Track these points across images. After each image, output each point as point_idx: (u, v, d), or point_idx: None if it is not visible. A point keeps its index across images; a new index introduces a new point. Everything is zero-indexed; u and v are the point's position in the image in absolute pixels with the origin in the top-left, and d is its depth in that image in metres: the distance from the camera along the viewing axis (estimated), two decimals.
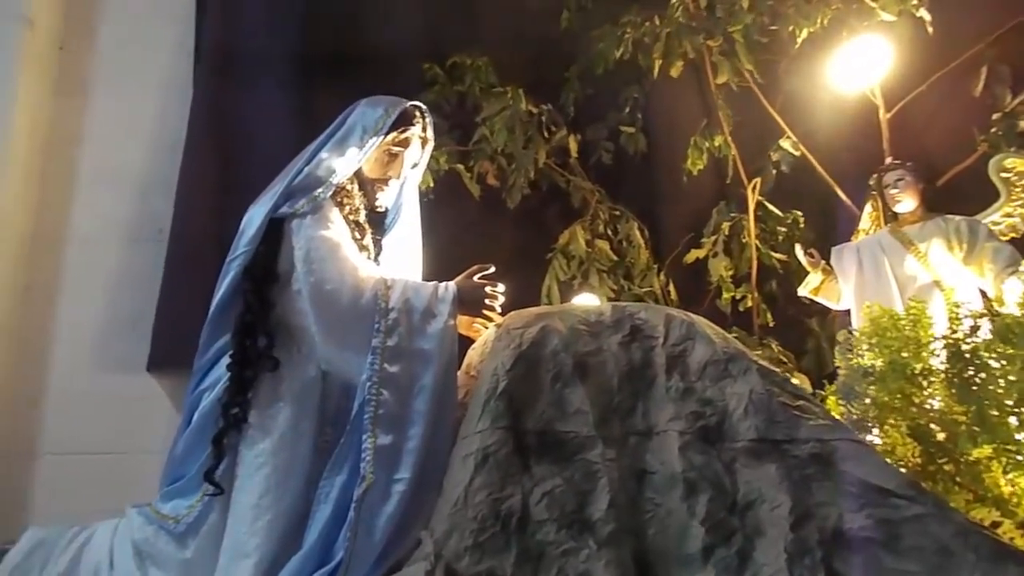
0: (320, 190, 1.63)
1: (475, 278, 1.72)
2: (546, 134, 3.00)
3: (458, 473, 1.49)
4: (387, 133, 1.69)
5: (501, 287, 1.75)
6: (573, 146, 3.20)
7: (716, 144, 2.91)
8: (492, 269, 1.76)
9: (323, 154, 1.66)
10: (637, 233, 2.98)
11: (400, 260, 1.83)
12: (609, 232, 3.04)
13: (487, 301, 1.71)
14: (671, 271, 3.04)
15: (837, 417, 1.60)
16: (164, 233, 2.91)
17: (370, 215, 1.76)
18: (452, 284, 1.68)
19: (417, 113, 1.75)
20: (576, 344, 1.69)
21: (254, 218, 1.62)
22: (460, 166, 2.70)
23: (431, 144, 1.81)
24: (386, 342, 1.52)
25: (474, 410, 1.57)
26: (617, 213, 3.12)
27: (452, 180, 2.94)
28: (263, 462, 1.50)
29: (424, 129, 1.78)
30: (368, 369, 1.50)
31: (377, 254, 1.80)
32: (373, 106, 1.71)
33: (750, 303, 2.84)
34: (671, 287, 3.01)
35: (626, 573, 1.41)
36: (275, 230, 1.60)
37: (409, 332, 1.56)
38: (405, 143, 1.73)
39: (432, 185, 2.65)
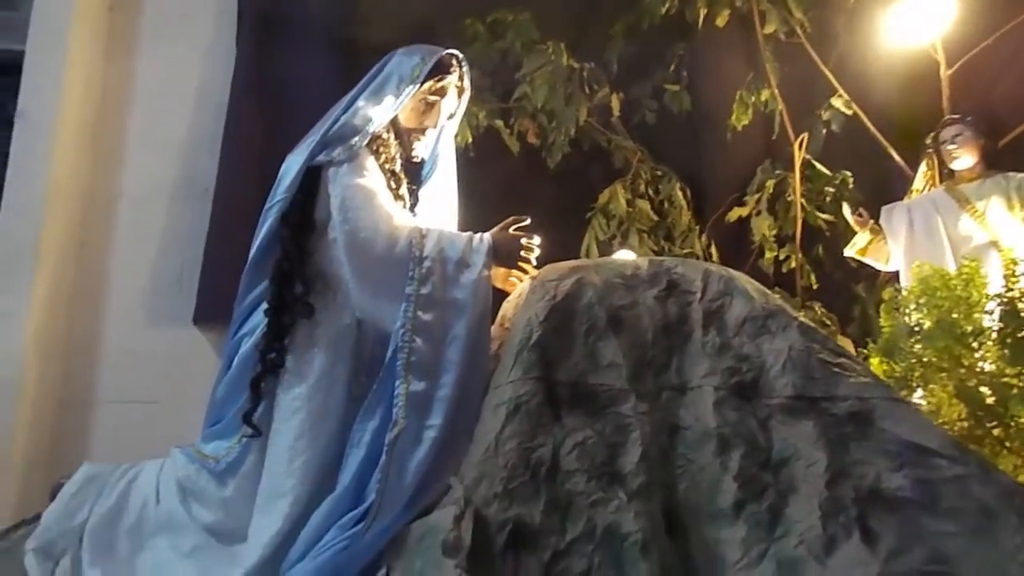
0: (356, 139, 1.63)
1: (511, 230, 1.71)
2: (587, 91, 2.94)
3: (489, 422, 1.50)
4: (423, 82, 1.68)
5: (537, 239, 1.73)
6: (616, 105, 3.14)
7: (763, 99, 2.80)
8: (528, 221, 1.74)
9: (360, 103, 1.66)
10: (679, 193, 2.92)
11: (436, 211, 1.83)
12: (650, 192, 2.99)
13: (522, 253, 1.69)
14: (713, 233, 2.98)
15: (879, 376, 1.55)
16: (209, 191, 2.97)
17: (406, 165, 1.76)
18: (487, 235, 1.67)
19: (454, 62, 1.73)
20: (611, 297, 1.67)
21: (291, 166, 1.64)
22: (500, 122, 2.67)
23: (468, 94, 1.79)
24: (420, 290, 1.53)
25: (507, 360, 1.57)
26: (659, 173, 3.06)
27: (492, 137, 2.92)
28: (299, 406, 1.53)
29: (461, 78, 1.75)
30: (402, 316, 1.51)
31: (413, 205, 1.80)
32: (409, 54, 1.70)
33: (793, 264, 2.76)
34: (713, 248, 2.95)
35: (655, 525, 1.41)
36: (312, 178, 1.61)
37: (443, 281, 1.56)
38: (442, 92, 1.71)
39: (471, 141, 2.63)
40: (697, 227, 2.99)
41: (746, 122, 2.84)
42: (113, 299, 2.99)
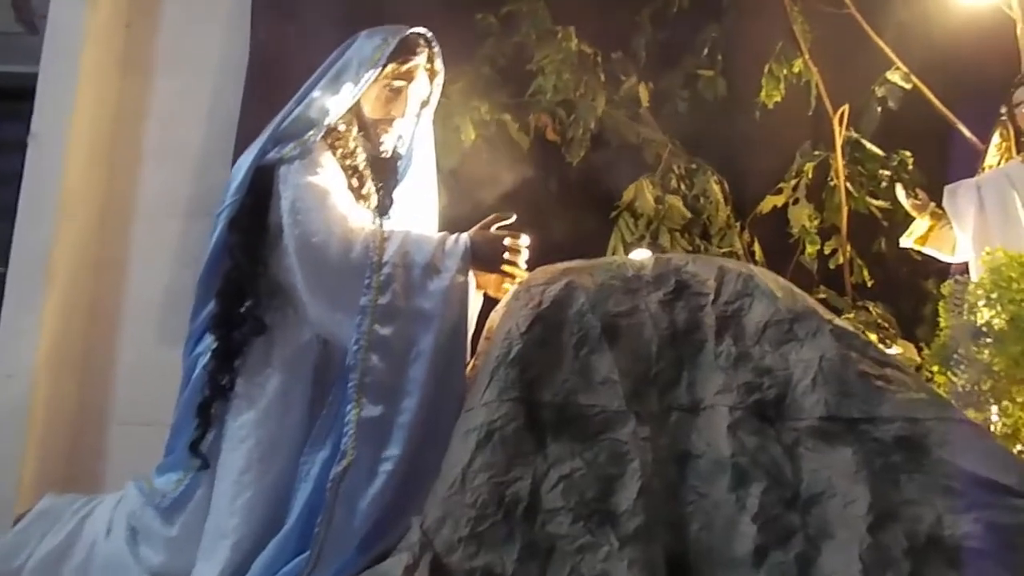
0: (311, 133, 1.45)
1: (493, 228, 1.50)
2: (603, 78, 2.70)
3: (458, 451, 1.28)
4: (385, 65, 1.49)
5: (525, 239, 1.52)
6: (644, 95, 2.88)
7: (795, 70, 2.48)
8: (513, 218, 1.53)
9: (315, 93, 1.48)
10: (714, 187, 2.63)
11: (413, 212, 1.63)
12: (683, 187, 2.71)
13: (507, 255, 1.48)
14: (755, 228, 2.67)
15: (938, 390, 1.25)
16: None
17: (375, 160, 1.57)
18: (464, 236, 1.46)
19: (422, 41, 1.53)
20: (607, 303, 1.44)
21: (241, 166, 1.48)
22: (507, 116, 2.45)
23: (441, 77, 1.59)
24: (377, 300, 1.33)
25: (481, 379, 1.36)
26: (694, 166, 2.78)
27: (506, 134, 2.71)
28: (246, 434, 1.35)
29: (431, 59, 1.55)
30: (356, 331, 1.32)
31: (386, 205, 1.61)
32: (371, 36, 1.51)
33: (841, 259, 2.42)
34: (756, 245, 2.65)
35: (655, 574, 1.16)
36: (263, 179, 1.44)
37: (406, 289, 1.36)
38: (408, 76, 1.51)
39: (473, 138, 2.43)
40: (737, 223, 2.69)
41: (778, 99, 2.52)
42: (129, 317, 2.93)
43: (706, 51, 2.92)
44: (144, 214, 3.00)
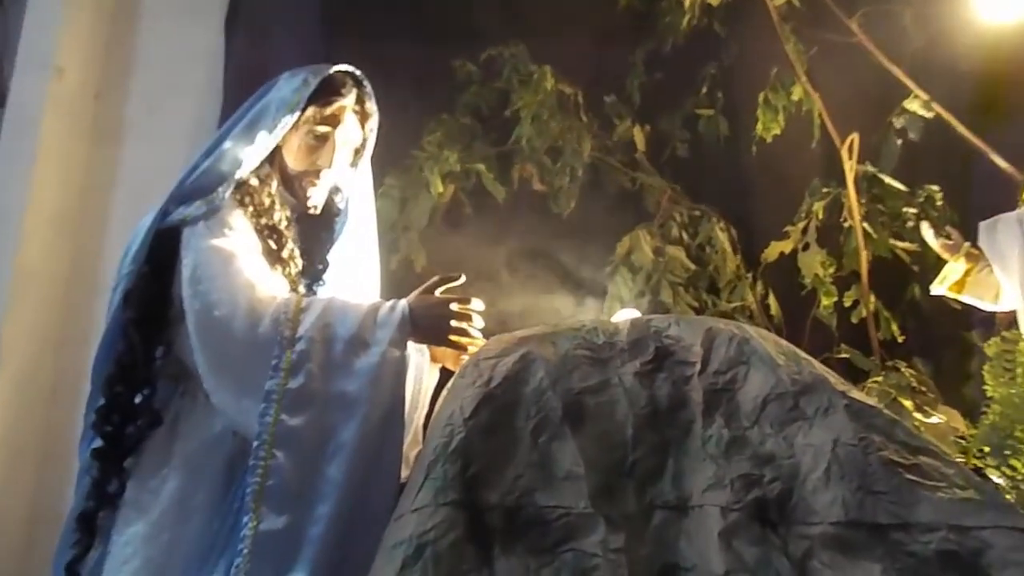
0: (220, 188, 1.25)
1: (438, 291, 1.27)
2: (583, 118, 2.51)
3: (381, 572, 1.03)
4: (305, 108, 1.29)
5: (477, 304, 1.28)
6: (640, 139, 2.70)
7: (794, 98, 2.25)
8: (462, 278, 1.30)
9: (227, 144, 1.29)
10: (720, 234, 2.39)
11: (352, 276, 1.41)
12: (685, 236, 2.48)
13: (453, 323, 1.24)
14: (770, 278, 2.41)
15: (992, 486, 0.96)
16: None
17: (304, 219, 1.37)
18: (402, 302, 1.24)
19: (349, 81, 1.34)
20: (571, 377, 1.19)
21: (139, 231, 1.28)
22: (480, 166, 2.26)
23: (375, 120, 1.39)
24: (287, 384, 1.10)
25: (416, 478, 1.11)
26: (697, 213, 2.55)
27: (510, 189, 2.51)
28: (131, 553, 1.12)
29: (361, 101, 1.35)
30: (259, 423, 1.08)
31: (320, 270, 1.40)
32: (292, 76, 1.32)
33: (864, 312, 2.13)
34: (771, 299, 2.38)
35: None
36: (164, 244, 1.24)
37: (324, 369, 1.13)
38: (333, 120, 1.31)
39: (442, 192, 2.23)
40: (749, 274, 2.43)
41: (777, 131, 2.28)
42: None
43: (705, 89, 2.75)
44: (110, 288, 2.85)
